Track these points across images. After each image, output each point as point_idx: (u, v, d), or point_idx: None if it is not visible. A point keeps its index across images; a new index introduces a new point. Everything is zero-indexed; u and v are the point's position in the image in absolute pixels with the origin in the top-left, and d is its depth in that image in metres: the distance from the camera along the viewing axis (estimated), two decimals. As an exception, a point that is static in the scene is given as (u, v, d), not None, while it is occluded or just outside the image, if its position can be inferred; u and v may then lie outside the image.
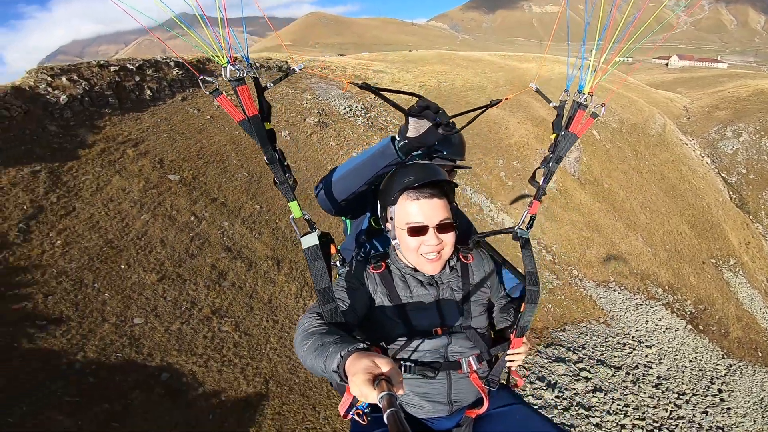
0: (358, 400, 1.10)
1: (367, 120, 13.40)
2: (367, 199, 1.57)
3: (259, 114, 1.21)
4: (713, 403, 10.90)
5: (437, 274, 1.44)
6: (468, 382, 1.42)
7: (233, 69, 1.11)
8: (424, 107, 1.25)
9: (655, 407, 9.64)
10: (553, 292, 11.63)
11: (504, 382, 1.59)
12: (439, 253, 1.37)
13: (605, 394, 9.79)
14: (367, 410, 1.14)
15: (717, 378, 12.33)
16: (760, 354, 14.68)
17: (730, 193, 23.09)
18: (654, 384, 10.49)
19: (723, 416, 10.72)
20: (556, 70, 24.60)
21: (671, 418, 9.48)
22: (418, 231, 1.33)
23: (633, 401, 9.43)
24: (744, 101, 28.57)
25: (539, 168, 1.48)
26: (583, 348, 10.85)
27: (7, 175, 5.91)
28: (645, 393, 9.97)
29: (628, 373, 10.58)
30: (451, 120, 1.29)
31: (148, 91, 8.75)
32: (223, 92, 1.14)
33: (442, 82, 19.86)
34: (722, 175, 23.98)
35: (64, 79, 7.48)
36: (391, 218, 1.40)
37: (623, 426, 8.88)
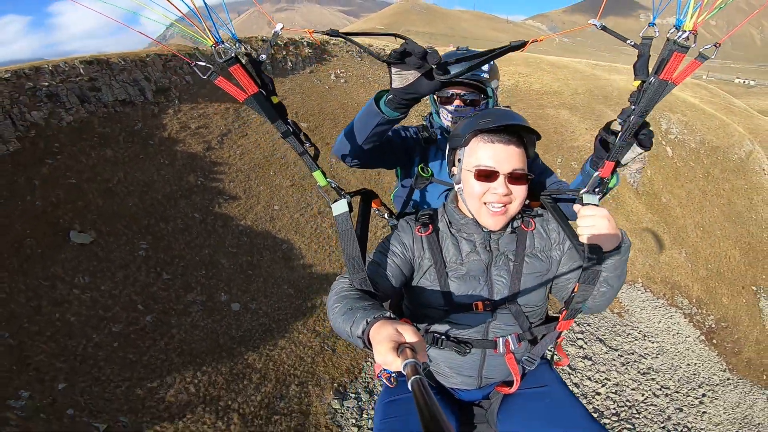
0: None
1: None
2: (386, 153, 1.55)
3: (261, 90, 1.14)
4: (691, 404, 11.58)
5: (494, 239, 1.30)
6: (503, 360, 1.32)
7: (223, 48, 1.05)
8: (402, 53, 1.04)
9: (633, 389, 10.82)
10: (577, 274, 13.41)
11: (548, 358, 1.50)
12: (505, 206, 1.22)
13: (593, 364, 11.42)
14: (394, 374, 1.19)
15: (707, 385, 12.81)
16: (765, 377, 14.64)
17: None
18: (642, 372, 11.58)
19: (695, 418, 11.44)
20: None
21: (644, 403, 10.58)
22: (487, 176, 1.19)
23: (615, 378, 10.76)
24: None
25: (615, 120, 1.18)
26: (588, 326, 12.47)
27: (212, 107, 9.57)
28: (629, 375, 11.19)
29: (621, 355, 11.81)
30: (447, 63, 1.07)
31: (289, 63, 12.23)
32: (221, 75, 1.08)
33: (520, 83, 21.46)
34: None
35: (243, 47, 11.15)
36: (459, 160, 1.27)
37: (598, 393, 10.35)
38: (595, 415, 9.74)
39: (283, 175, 9.14)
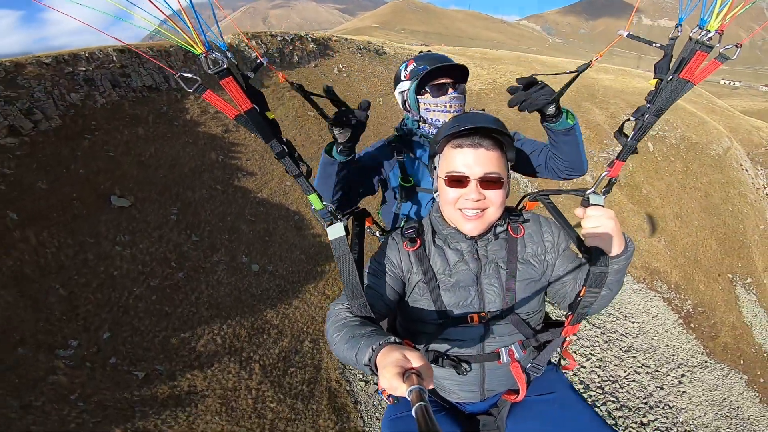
0: None
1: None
2: (364, 181, 1.61)
3: (255, 106, 1.08)
4: (671, 383, 12.20)
5: (481, 246, 1.26)
6: (506, 371, 1.27)
7: (214, 58, 0.96)
8: (342, 118, 1.23)
9: (616, 365, 11.50)
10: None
11: (555, 362, 1.47)
12: (481, 211, 1.18)
13: (577, 339, 12.16)
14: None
15: (685, 366, 13.45)
16: (742, 362, 15.66)
17: (785, 226, 23.09)
18: (624, 349, 12.28)
19: (675, 397, 12.01)
20: (631, 83, 25.78)
21: (626, 379, 11.26)
22: (458, 182, 1.17)
23: (598, 353, 11.51)
24: None
25: (628, 119, 1.19)
26: None
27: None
28: (611, 352, 11.90)
29: (603, 333, 12.58)
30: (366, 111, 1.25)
31: (296, 57, 13.00)
32: (209, 88, 1.01)
33: (512, 80, 22.40)
34: (783, 207, 23.87)
35: (254, 42, 11.90)
36: (435, 168, 1.26)
37: (583, 367, 11.02)
38: (580, 387, 10.54)
39: (292, 158, 9.99)
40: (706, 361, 14.41)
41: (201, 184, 7.82)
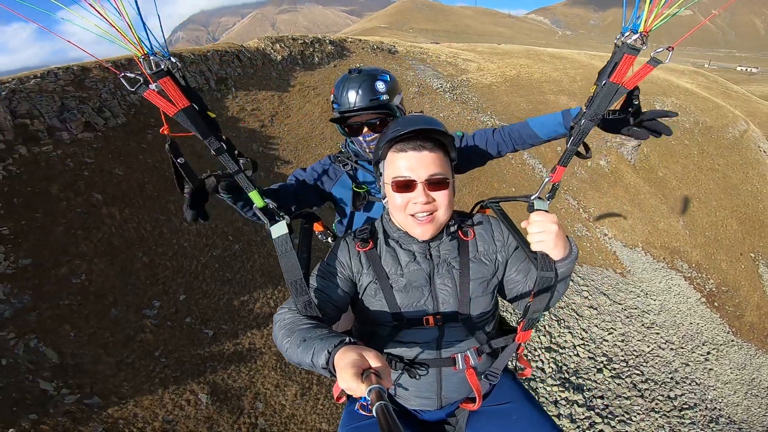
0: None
1: (453, 95, 17.49)
2: (306, 196, 1.66)
3: (193, 104, 1.13)
4: (697, 360, 12.33)
5: (433, 247, 1.26)
6: (462, 378, 1.27)
7: (154, 60, 1.03)
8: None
9: (639, 341, 11.79)
10: (581, 239, 14.75)
11: (511, 369, 1.46)
12: (431, 214, 1.19)
13: (598, 314, 12.46)
14: (365, 402, 1.11)
15: (711, 344, 13.52)
16: None
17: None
18: (646, 326, 12.54)
19: (702, 374, 12.06)
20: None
21: (650, 354, 11.50)
22: (404, 186, 1.17)
23: (620, 328, 11.82)
24: None
25: (572, 126, 1.25)
26: (593, 281, 13.60)
27: (261, 94, 11.18)
28: (633, 327, 12.18)
29: (624, 309, 12.84)
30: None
31: (316, 58, 13.83)
32: (153, 86, 1.05)
33: (522, 73, 22.86)
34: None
35: (278, 45, 12.77)
36: (381, 175, 1.26)
37: (605, 340, 11.36)
38: (603, 360, 10.88)
39: (323, 147, 10.75)
40: (732, 341, 14.32)
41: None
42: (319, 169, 1.73)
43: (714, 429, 10.37)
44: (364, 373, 0.78)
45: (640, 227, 17.01)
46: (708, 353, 13.07)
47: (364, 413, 1.23)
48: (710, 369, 12.42)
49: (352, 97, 1.58)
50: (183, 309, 5.72)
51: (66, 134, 6.77)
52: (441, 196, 1.18)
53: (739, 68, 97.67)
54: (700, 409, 10.64)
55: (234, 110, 10.11)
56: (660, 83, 23.74)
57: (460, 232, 1.29)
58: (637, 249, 16.05)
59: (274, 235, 1.17)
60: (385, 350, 1.25)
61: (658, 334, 12.41)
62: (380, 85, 1.60)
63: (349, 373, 0.78)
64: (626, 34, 1.07)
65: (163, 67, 1.05)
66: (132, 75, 1.08)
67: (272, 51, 12.55)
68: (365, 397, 0.98)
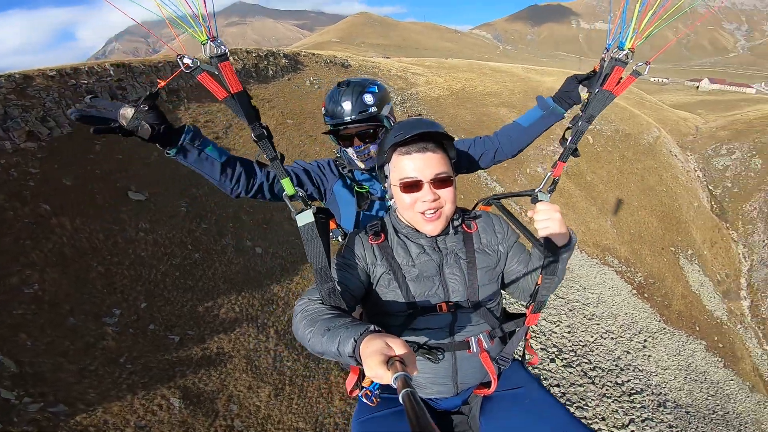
0: (365, 380, 1.21)
1: (404, 108, 18.42)
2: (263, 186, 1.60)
3: (245, 89, 1.17)
4: (636, 348, 13.32)
5: (441, 239, 1.36)
6: (477, 362, 1.32)
7: (214, 45, 1.08)
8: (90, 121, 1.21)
9: (583, 331, 12.51)
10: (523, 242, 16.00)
11: (518, 359, 1.53)
12: (438, 210, 1.29)
13: (545, 308, 13.32)
14: (377, 392, 1.20)
15: (646, 332, 14.73)
16: (697, 328, 17.40)
17: (713, 203, 26.42)
18: (587, 317, 13.39)
19: (643, 361, 12.99)
20: (570, 84, 28.71)
21: (595, 344, 12.31)
22: (411, 187, 1.26)
23: (566, 320, 12.55)
24: (747, 123, 31.43)
25: (568, 128, 1.43)
26: None
27: (215, 106, 11.21)
28: (577, 319, 12.93)
29: (568, 302, 13.67)
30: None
31: (270, 71, 14.07)
32: (205, 71, 1.12)
33: (467, 86, 24.48)
34: (710, 187, 27.32)
35: (232, 58, 12.86)
36: (386, 177, 1.35)
37: (554, 332, 11.97)
38: (554, 351, 11.80)
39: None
40: (664, 328, 15.71)
41: (202, 182, 8.67)
42: (324, 164, 1.81)
43: (663, 412, 11.10)
44: (390, 360, 0.78)
45: (574, 227, 18.45)
46: (645, 341, 14.15)
47: (368, 403, 1.22)
48: (649, 356, 13.42)
49: (342, 110, 1.66)
50: (145, 316, 5.72)
51: (9, 143, 6.52)
52: (446, 193, 1.28)
53: (652, 79, 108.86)
54: (647, 394, 11.38)
55: (187, 122, 10.08)
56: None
57: (464, 225, 1.40)
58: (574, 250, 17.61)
59: (300, 223, 1.23)
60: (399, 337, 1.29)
61: (599, 324, 13.33)
62: (368, 98, 1.69)
63: (375, 360, 0.79)
64: (612, 49, 1.30)
65: (225, 50, 1.11)
66: (189, 58, 1.11)
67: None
68: (373, 386, 1.07)
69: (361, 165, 1.73)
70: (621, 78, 1.35)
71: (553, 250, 1.26)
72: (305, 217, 1.24)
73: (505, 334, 1.39)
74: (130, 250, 6.45)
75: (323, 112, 1.75)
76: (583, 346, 11.76)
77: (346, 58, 20.73)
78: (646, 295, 17.39)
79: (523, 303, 1.44)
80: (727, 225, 25.71)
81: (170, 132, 1.31)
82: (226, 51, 1.12)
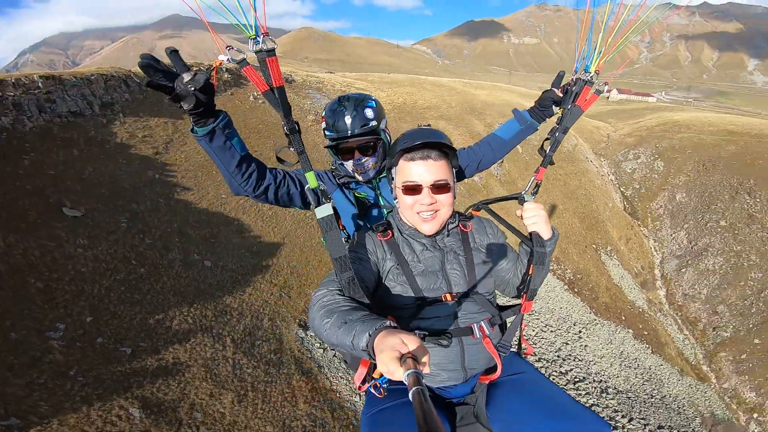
0: (375, 374, 1.23)
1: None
2: (289, 189, 1.66)
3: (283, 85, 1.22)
4: (573, 339, 14.37)
5: (440, 238, 1.49)
6: (481, 348, 1.41)
7: (266, 40, 1.12)
8: (156, 85, 1.16)
9: (525, 326, 14.27)
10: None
11: (514, 350, 1.62)
12: (435, 212, 1.41)
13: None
14: (384, 385, 1.25)
15: (580, 324, 15.95)
16: (623, 318, 19.12)
17: (625, 203, 30.05)
18: (528, 313, 15.27)
19: (581, 351, 14.02)
20: (502, 97, 31.33)
21: (537, 337, 13.43)
22: (412, 190, 1.39)
23: (508, 318, 14.28)
24: (648, 130, 35.99)
25: (546, 139, 1.66)
26: None
27: (153, 121, 11.00)
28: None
29: (508, 301, 15.46)
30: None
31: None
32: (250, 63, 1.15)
33: (408, 100, 25.81)
34: (621, 189, 31.09)
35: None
36: (393, 179, 1.47)
37: None
38: (534, 351, 12.55)
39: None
40: (595, 319, 16.94)
41: (143, 197, 8.54)
42: (322, 174, 1.87)
43: (607, 398, 11.74)
44: (403, 357, 0.80)
45: (508, 231, 20.38)
46: (580, 332, 15.26)
47: (376, 394, 1.27)
48: (586, 346, 14.48)
49: (345, 124, 1.73)
50: (92, 330, 5.61)
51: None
52: (443, 198, 1.40)
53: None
54: (589, 382, 12.02)
55: (123, 136, 9.84)
56: (515, 106, 29.02)
57: (461, 225, 1.54)
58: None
59: (319, 215, 1.29)
60: (410, 326, 1.37)
61: (538, 319, 14.41)
62: (369, 112, 1.77)
63: (388, 356, 0.80)
64: (579, 72, 1.56)
65: (272, 47, 1.14)
66: (238, 49, 1.15)
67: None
68: (382, 380, 1.14)
69: (361, 178, 1.81)
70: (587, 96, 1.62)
71: (541, 243, 1.44)
72: (325, 210, 1.30)
73: (504, 322, 1.52)
74: (70, 266, 6.27)
75: (323, 126, 1.81)
76: (528, 339, 12.88)
77: (290, 74, 21.04)
78: (576, 289, 19.16)
79: (509, 297, 1.61)
80: (639, 222, 29.33)
81: (209, 112, 1.33)
82: (275, 47, 1.16)
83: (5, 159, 7.08)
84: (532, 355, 11.55)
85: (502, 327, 1.56)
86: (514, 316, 1.55)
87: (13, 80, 8.03)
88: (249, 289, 8.30)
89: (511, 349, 1.56)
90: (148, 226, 7.92)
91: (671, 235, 28.16)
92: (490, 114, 26.83)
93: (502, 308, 1.56)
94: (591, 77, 1.57)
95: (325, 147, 1.83)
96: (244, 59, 1.15)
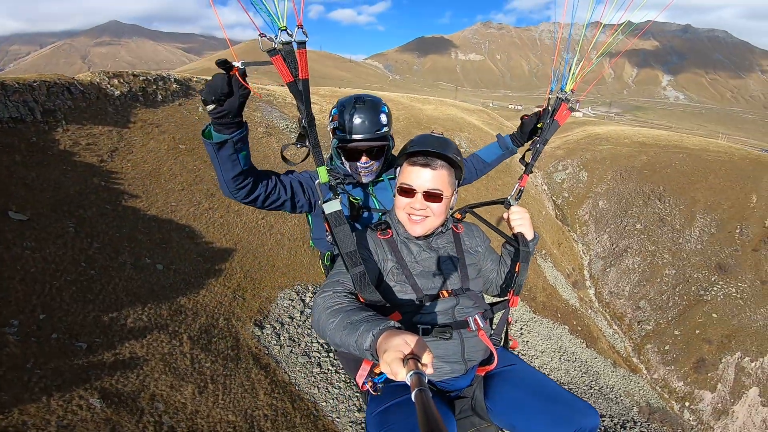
0: (375, 373, 1.27)
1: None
2: (280, 192, 1.67)
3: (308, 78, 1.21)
4: (515, 336, 15.25)
5: (433, 240, 1.58)
6: (477, 340, 1.49)
7: (300, 31, 1.13)
8: (209, 96, 1.27)
9: (511, 322, 14.47)
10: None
11: (501, 344, 1.70)
12: (424, 218, 1.49)
13: None
14: (381, 384, 1.27)
15: (520, 321, 17.13)
16: (559, 315, 20.49)
17: (556, 210, 33.23)
18: None
19: (523, 346, 15.17)
20: (446, 112, 33.54)
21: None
22: (406, 192, 1.48)
23: None
24: (575, 143, 39.84)
25: (528, 150, 1.87)
26: None
27: (97, 129, 10.96)
28: None
29: None
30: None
31: (160, 96, 14.09)
32: (280, 53, 1.15)
33: (358, 113, 26.92)
34: (553, 198, 34.35)
35: (116, 80, 12.69)
36: (395, 177, 1.58)
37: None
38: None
39: (173, 182, 11.19)
40: (534, 317, 18.19)
41: (90, 203, 8.61)
42: (315, 176, 1.76)
43: None
44: (406, 358, 0.81)
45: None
46: (521, 329, 16.30)
47: (372, 392, 1.28)
48: (527, 341, 15.43)
49: (360, 126, 1.75)
50: (46, 326, 5.77)
51: None
52: (435, 207, 1.47)
53: (510, 106, 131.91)
54: None
55: (66, 144, 9.80)
56: (458, 121, 31.31)
57: (453, 227, 1.66)
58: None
59: (327, 211, 1.31)
60: (411, 321, 1.43)
61: None
62: (383, 118, 1.81)
63: (391, 356, 0.82)
64: (556, 90, 1.74)
65: (306, 38, 1.16)
66: (271, 37, 1.14)
67: (109, 86, 12.40)
68: (379, 378, 1.22)
69: (364, 179, 1.85)
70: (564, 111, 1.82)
71: (525, 243, 1.61)
72: (333, 205, 1.33)
73: (494, 315, 1.62)
74: (19, 266, 6.36)
75: (334, 125, 1.82)
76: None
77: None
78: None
79: (492, 295, 1.76)
80: (569, 228, 32.53)
81: (233, 119, 1.35)
82: (307, 39, 1.17)
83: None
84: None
85: (491, 322, 1.67)
86: (502, 311, 1.67)
87: (-51, 85, 7.87)
88: (203, 291, 8.63)
89: (500, 344, 1.66)
90: (96, 231, 8.04)
91: (596, 238, 31.33)
92: (436, 128, 28.67)
93: (492, 304, 1.67)
94: (567, 96, 1.79)
95: (335, 147, 1.84)
96: (275, 49, 1.16)
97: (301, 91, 1.23)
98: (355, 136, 1.76)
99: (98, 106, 11.73)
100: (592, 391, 15.34)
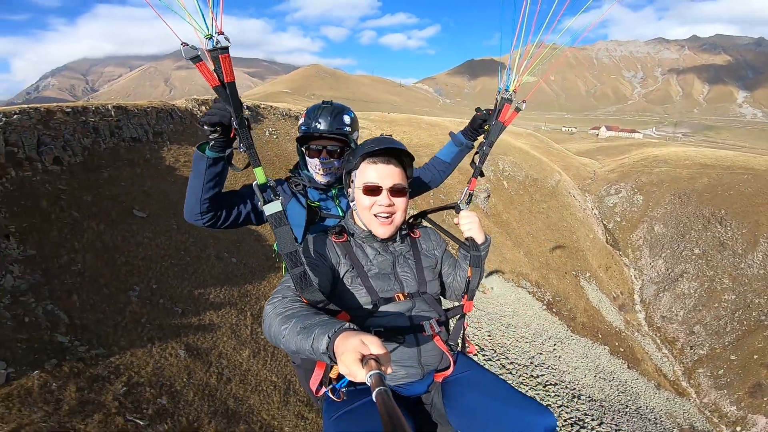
0: (330, 377, 1.28)
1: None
2: (240, 207, 1.73)
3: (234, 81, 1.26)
4: (547, 351, 15.24)
5: (390, 243, 1.59)
6: (433, 344, 1.50)
7: (219, 38, 1.17)
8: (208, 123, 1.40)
9: (501, 336, 14.56)
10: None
11: (459, 349, 1.73)
12: (390, 216, 1.51)
13: (467, 318, 15.70)
14: (343, 388, 1.26)
15: (555, 338, 16.92)
16: (599, 336, 20.26)
17: (607, 235, 32.23)
18: (505, 325, 15.60)
19: (554, 361, 14.80)
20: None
21: (512, 346, 14.31)
22: (372, 191, 1.48)
23: (484, 327, 14.71)
24: (631, 166, 38.47)
25: (476, 153, 1.88)
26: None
27: (190, 149, 13.43)
28: (495, 327, 14.99)
29: (487, 314, 15.93)
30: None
31: (237, 119, 16.73)
32: (204, 60, 1.20)
33: (404, 139, 28.46)
34: (603, 222, 33.37)
35: (204, 107, 15.40)
36: (352, 182, 1.55)
37: (476, 335, 13.89)
38: (476, 348, 14.01)
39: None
40: (571, 336, 18.04)
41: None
42: (278, 181, 1.90)
43: (578, 403, 12.32)
44: (365, 359, 0.81)
45: (493, 258, 21.04)
46: (555, 345, 16.17)
47: (334, 398, 1.29)
48: (559, 357, 15.29)
49: (323, 122, 1.83)
50: (156, 294, 7.68)
51: (40, 165, 8.43)
52: (400, 202, 1.54)
53: (563, 129, 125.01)
54: (560, 387, 12.71)
55: (170, 160, 12.26)
56: (503, 146, 31.89)
57: (410, 232, 1.72)
58: (493, 275, 19.92)
59: (267, 212, 1.37)
60: (365, 324, 1.44)
61: (515, 331, 15.36)
62: (347, 119, 1.88)
63: (349, 358, 0.82)
64: (502, 92, 1.84)
65: (227, 43, 1.21)
66: (192, 46, 1.19)
67: (198, 111, 15.10)
68: (341, 384, 1.26)
69: (321, 179, 1.87)
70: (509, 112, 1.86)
71: (476, 247, 1.65)
72: (274, 207, 1.38)
73: (448, 320, 1.65)
74: (141, 249, 8.46)
75: (300, 122, 1.91)
76: (502, 347, 13.74)
77: (299, 112, 23.96)
78: (554, 310, 20.57)
79: (454, 301, 1.78)
80: (620, 252, 31.41)
81: (226, 140, 1.49)
82: (229, 45, 1.22)
83: (92, 171, 9.43)
84: (476, 353, 11.90)
85: (447, 327, 1.68)
86: (457, 316, 1.68)
87: (93, 108, 10.53)
88: (264, 282, 10.36)
89: (458, 349, 1.68)
90: (191, 228, 10.12)
91: (650, 263, 29.98)
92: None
93: (447, 309, 1.68)
94: (510, 95, 1.82)
95: (297, 140, 1.90)
96: (198, 56, 1.20)
97: (228, 94, 1.29)
98: (316, 127, 1.84)
99: (192, 129, 14.35)
100: (627, 410, 14.59)
